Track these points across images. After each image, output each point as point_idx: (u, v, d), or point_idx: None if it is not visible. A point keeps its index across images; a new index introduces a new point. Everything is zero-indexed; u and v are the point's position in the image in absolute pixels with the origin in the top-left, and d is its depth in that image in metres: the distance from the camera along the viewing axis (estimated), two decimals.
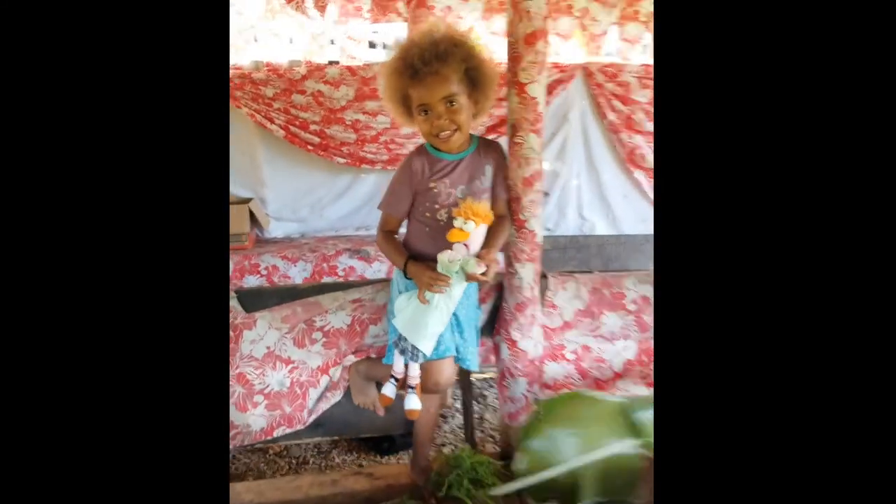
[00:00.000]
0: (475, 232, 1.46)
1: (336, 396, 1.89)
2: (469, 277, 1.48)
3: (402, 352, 1.57)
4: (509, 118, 1.68)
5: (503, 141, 1.73)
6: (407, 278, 1.58)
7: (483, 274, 1.47)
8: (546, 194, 3.27)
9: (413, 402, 1.59)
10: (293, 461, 2.47)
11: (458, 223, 1.45)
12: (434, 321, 1.51)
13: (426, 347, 1.53)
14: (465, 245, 1.47)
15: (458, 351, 1.64)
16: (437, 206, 1.58)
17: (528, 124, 1.64)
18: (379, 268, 2.78)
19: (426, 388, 1.66)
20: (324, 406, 1.88)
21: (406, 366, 1.61)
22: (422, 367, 1.63)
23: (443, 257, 1.47)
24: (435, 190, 1.57)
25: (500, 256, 1.69)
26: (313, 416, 1.88)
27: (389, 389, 1.60)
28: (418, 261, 1.56)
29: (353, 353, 1.87)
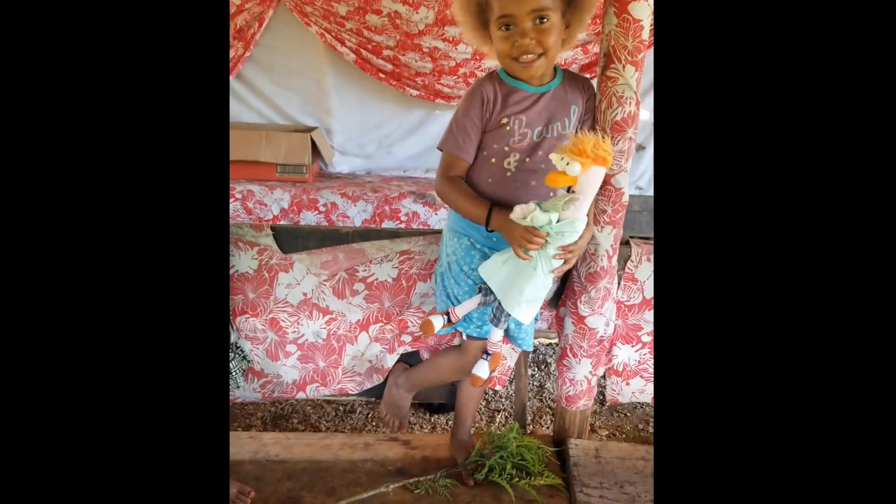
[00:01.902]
0: (585, 178, 1.13)
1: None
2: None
3: (495, 317, 1.32)
4: (603, 45, 1.35)
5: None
6: (489, 231, 1.30)
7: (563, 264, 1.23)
8: (642, 148, 2.89)
9: (482, 370, 1.33)
10: (340, 408, 2.36)
11: (560, 163, 1.13)
12: (531, 286, 1.23)
13: (520, 315, 1.26)
14: (572, 193, 1.17)
15: (508, 328, 1.39)
16: (506, 149, 1.29)
17: (626, 54, 1.31)
18: (444, 216, 2.54)
19: (462, 363, 1.45)
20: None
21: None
22: (465, 343, 1.41)
23: (522, 210, 1.18)
24: (507, 128, 1.28)
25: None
26: (354, 383, 1.72)
27: (438, 320, 1.33)
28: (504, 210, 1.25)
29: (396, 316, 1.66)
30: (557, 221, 1.18)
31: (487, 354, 1.35)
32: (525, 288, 1.23)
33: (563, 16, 1.23)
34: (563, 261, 1.23)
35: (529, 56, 1.22)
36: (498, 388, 1.83)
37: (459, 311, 1.34)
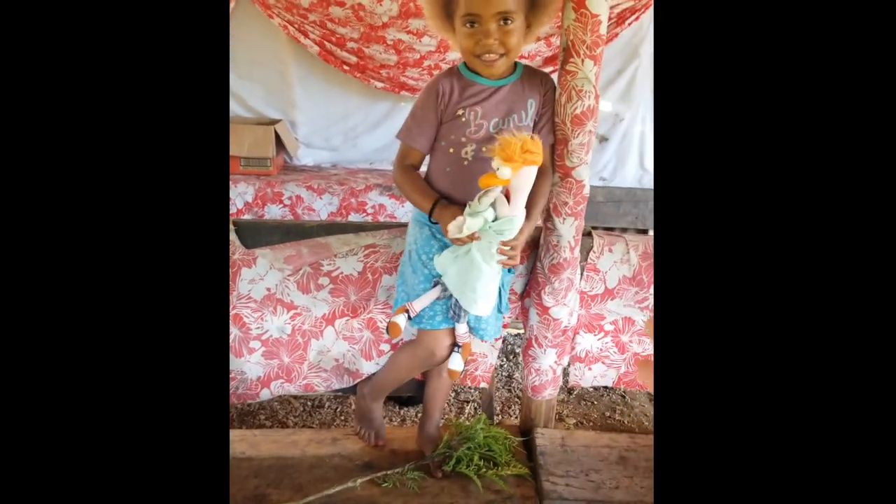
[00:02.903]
0: (516, 179, 1.16)
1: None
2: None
3: (455, 313, 1.36)
4: (562, 39, 1.37)
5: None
6: (431, 222, 1.34)
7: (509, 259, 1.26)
8: (604, 139, 2.93)
9: (456, 363, 1.40)
10: (308, 403, 2.35)
11: (493, 164, 1.15)
12: (482, 283, 1.27)
13: (477, 311, 1.31)
14: (504, 195, 1.20)
15: (469, 321, 1.40)
16: (463, 140, 1.31)
17: (584, 48, 1.32)
18: (412, 208, 2.54)
19: (418, 356, 1.47)
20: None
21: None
22: (418, 335, 1.43)
23: (456, 225, 1.21)
24: (463, 119, 1.30)
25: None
26: (323, 384, 1.71)
27: (401, 320, 1.37)
28: (451, 205, 1.31)
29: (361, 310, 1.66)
30: (494, 220, 1.21)
31: (458, 347, 1.39)
32: (477, 286, 1.27)
33: (526, 17, 1.25)
34: (507, 255, 1.27)
35: (492, 56, 1.24)
36: (483, 385, 1.84)
37: (417, 306, 1.37)
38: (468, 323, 1.43)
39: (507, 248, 1.26)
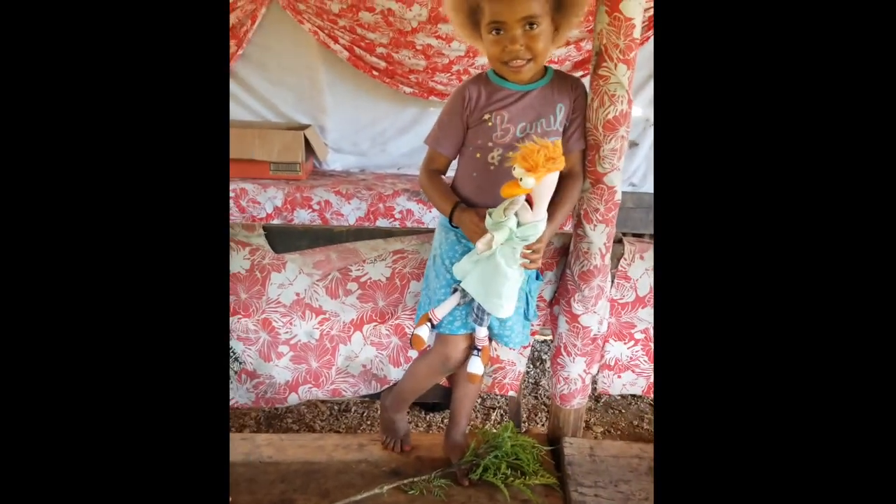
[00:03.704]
0: (540, 186, 1.15)
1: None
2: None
3: (477, 317, 1.36)
4: (595, 44, 1.35)
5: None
6: (453, 226, 1.35)
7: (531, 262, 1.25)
8: (634, 144, 2.89)
9: (476, 366, 1.40)
10: (335, 407, 2.36)
11: (516, 173, 1.14)
12: (507, 287, 1.27)
13: (503, 314, 1.31)
14: (528, 202, 1.19)
15: (491, 326, 1.39)
16: (490, 145, 1.30)
17: (618, 52, 1.30)
18: (438, 213, 2.54)
19: (435, 362, 1.47)
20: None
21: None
22: (435, 340, 1.44)
23: (485, 242, 1.21)
24: (489, 123, 1.30)
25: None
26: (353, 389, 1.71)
27: (424, 332, 1.37)
28: (469, 209, 1.31)
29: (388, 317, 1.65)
30: (518, 226, 1.20)
31: (478, 350, 1.39)
32: (503, 290, 1.27)
33: (553, 20, 1.24)
34: (529, 259, 1.26)
35: (519, 62, 1.24)
36: (511, 393, 1.82)
37: (439, 313, 1.37)
38: (491, 329, 1.42)
39: (529, 251, 1.25)
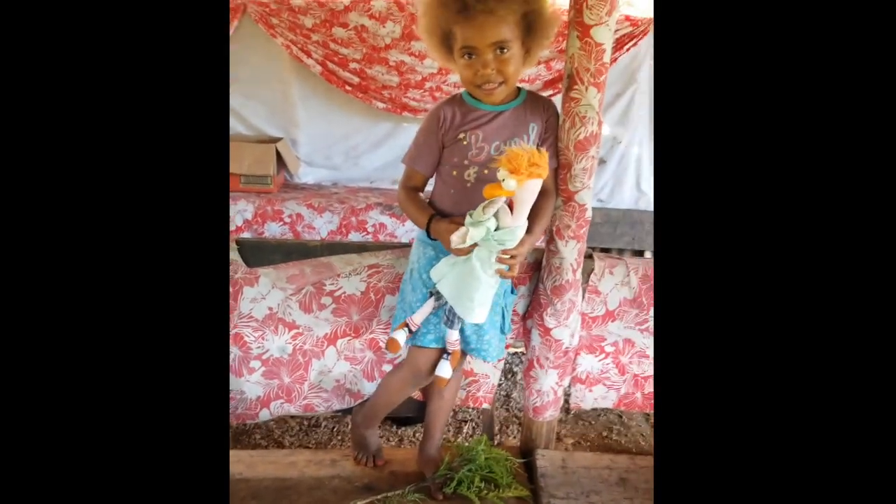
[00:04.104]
0: (521, 191, 1.16)
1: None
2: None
3: (448, 319, 1.37)
4: (566, 67, 1.39)
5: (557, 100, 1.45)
6: (431, 239, 1.37)
7: (509, 270, 1.27)
8: (602, 162, 2.96)
9: (444, 370, 1.41)
10: (305, 422, 2.34)
11: (499, 175, 1.16)
12: (480, 292, 1.28)
13: (474, 318, 1.32)
14: (508, 206, 1.20)
15: (467, 341, 1.41)
16: (465, 163, 1.33)
17: (588, 76, 1.35)
18: (412, 227, 2.56)
19: (407, 375, 1.49)
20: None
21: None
22: (408, 352, 1.45)
23: (459, 235, 1.22)
24: (464, 142, 1.32)
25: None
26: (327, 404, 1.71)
27: (401, 336, 1.38)
28: (444, 219, 1.33)
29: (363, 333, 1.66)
30: (496, 229, 1.21)
31: (448, 354, 1.40)
32: (475, 294, 1.28)
33: (523, 43, 1.27)
34: (507, 266, 1.27)
35: (491, 84, 1.27)
36: (485, 406, 1.84)
37: (417, 318, 1.38)
38: (469, 344, 1.43)
39: (507, 256, 1.26)
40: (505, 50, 1.23)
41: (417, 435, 2.25)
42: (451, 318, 1.36)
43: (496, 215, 1.21)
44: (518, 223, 1.22)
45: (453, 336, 1.39)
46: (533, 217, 1.29)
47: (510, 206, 1.21)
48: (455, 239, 1.22)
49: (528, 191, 1.18)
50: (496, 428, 2.30)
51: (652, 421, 2.50)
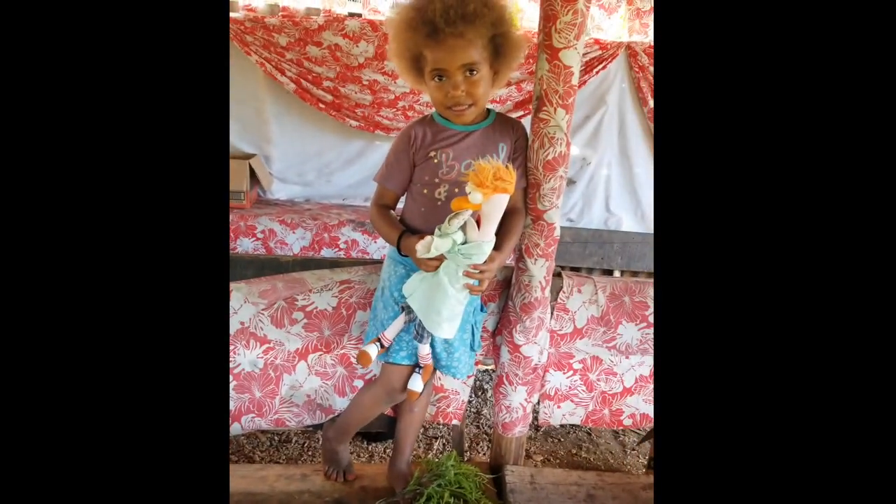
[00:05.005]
0: (487, 205, 1.18)
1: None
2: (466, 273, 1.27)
3: (418, 333, 1.39)
4: (535, 89, 1.44)
5: (526, 122, 1.49)
6: (402, 255, 1.39)
7: (479, 285, 1.30)
8: (572, 182, 3.03)
9: (416, 384, 1.43)
10: (275, 437, 2.32)
11: (466, 188, 1.17)
12: (447, 306, 1.29)
13: (442, 333, 1.33)
14: (476, 221, 1.22)
15: (437, 358, 1.44)
16: (436, 181, 1.36)
17: (557, 97, 1.40)
18: (383, 244, 2.58)
19: (380, 392, 1.51)
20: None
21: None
22: (381, 370, 1.47)
23: (424, 244, 1.24)
24: (435, 160, 1.36)
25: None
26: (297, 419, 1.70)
27: (372, 350, 1.39)
28: (414, 235, 1.35)
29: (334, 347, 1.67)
30: (463, 243, 1.23)
31: (420, 368, 1.42)
32: (442, 309, 1.29)
33: (491, 65, 1.31)
34: (476, 280, 1.30)
35: (461, 106, 1.31)
36: (455, 422, 1.85)
37: (389, 334, 1.40)
38: (438, 361, 1.45)
39: (476, 271, 1.27)
40: (474, 72, 1.27)
41: (388, 451, 2.25)
42: (420, 332, 1.38)
43: (463, 229, 1.23)
44: (485, 238, 1.24)
45: (424, 350, 1.41)
46: (502, 235, 1.31)
47: (478, 221, 1.22)
48: (420, 248, 1.24)
49: (495, 205, 1.19)
50: (466, 444, 2.32)
51: (621, 439, 2.54)
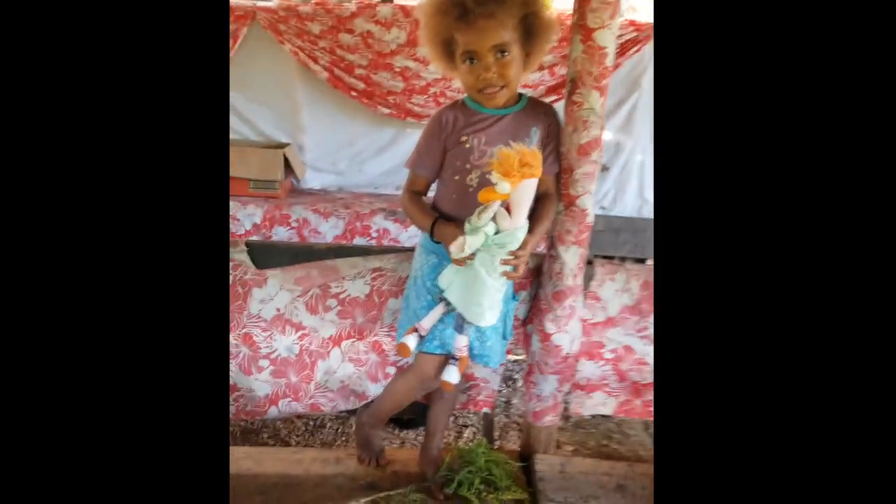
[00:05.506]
0: (516, 193, 1.16)
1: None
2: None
3: (458, 324, 1.38)
4: (569, 71, 1.42)
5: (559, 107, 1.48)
6: (434, 242, 1.39)
7: (514, 271, 1.28)
8: (605, 168, 2.98)
9: (451, 375, 1.40)
10: (310, 422, 2.37)
11: (492, 178, 1.16)
12: (487, 296, 1.29)
13: (485, 322, 1.33)
14: (506, 209, 1.21)
15: (470, 346, 1.44)
16: (467, 167, 1.35)
17: (591, 80, 1.37)
18: (415, 233, 2.58)
19: (414, 380, 1.52)
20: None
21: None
22: (415, 358, 1.47)
23: (458, 245, 1.23)
24: (467, 145, 1.35)
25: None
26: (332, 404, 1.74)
27: (411, 341, 1.39)
28: (448, 222, 1.35)
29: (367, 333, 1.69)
30: (496, 233, 1.23)
31: (455, 359, 1.41)
32: (483, 300, 1.29)
33: (523, 46, 1.30)
34: (512, 266, 1.29)
35: (493, 88, 1.29)
36: (485, 410, 1.86)
37: (426, 324, 1.39)
38: (472, 350, 1.45)
39: (513, 258, 1.27)
40: (505, 53, 1.26)
41: (418, 437, 2.27)
42: (461, 323, 1.37)
43: (494, 219, 1.22)
44: (517, 225, 1.23)
45: (462, 341, 1.40)
46: (535, 219, 1.32)
47: (507, 208, 1.21)
48: (454, 250, 1.23)
49: (524, 191, 1.18)
50: (496, 433, 2.33)
51: (651, 430, 2.52)
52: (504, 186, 1.14)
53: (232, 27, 2.65)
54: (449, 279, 1.35)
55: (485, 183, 1.33)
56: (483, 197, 1.18)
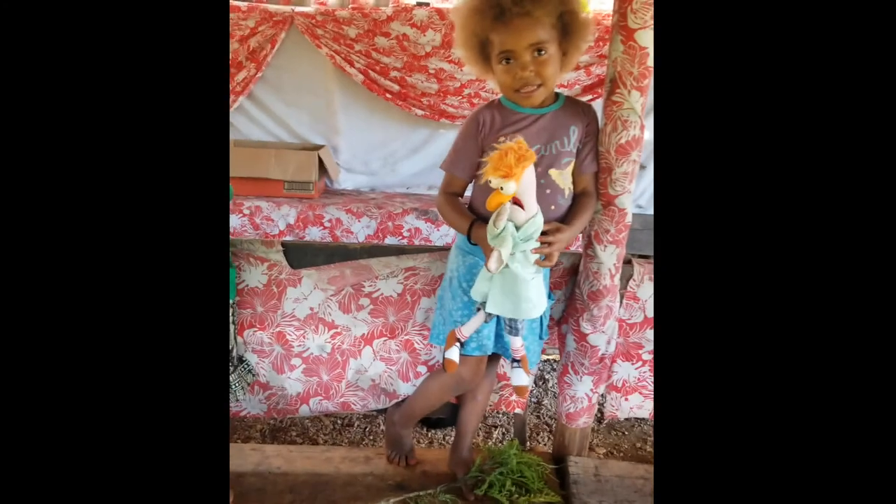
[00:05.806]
0: (521, 186, 1.16)
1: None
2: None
3: (510, 328, 1.37)
4: (609, 71, 1.40)
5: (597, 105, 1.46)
6: (472, 244, 1.37)
7: (546, 259, 1.26)
8: (643, 167, 2.93)
9: (520, 378, 1.38)
10: (339, 421, 2.37)
11: (493, 184, 1.16)
12: (531, 290, 1.27)
13: (538, 313, 1.32)
14: (520, 206, 1.20)
15: (507, 347, 1.42)
16: None
17: (631, 79, 1.35)
18: (446, 232, 2.58)
19: (449, 382, 1.50)
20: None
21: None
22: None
23: (494, 262, 1.21)
24: None
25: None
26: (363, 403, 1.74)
27: (454, 354, 1.38)
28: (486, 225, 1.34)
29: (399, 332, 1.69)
30: (518, 230, 1.21)
31: (517, 362, 1.38)
32: (529, 294, 1.27)
33: (560, 45, 1.28)
34: (544, 255, 1.27)
35: (530, 87, 1.28)
36: (518, 411, 1.84)
37: (466, 331, 1.37)
38: (505, 349, 1.43)
39: (544, 245, 1.25)
40: (542, 52, 1.25)
41: (447, 438, 2.26)
42: (512, 325, 1.35)
43: (511, 220, 1.22)
44: (532, 212, 1.22)
45: (517, 342, 1.37)
46: (573, 214, 1.32)
47: (518, 203, 1.21)
48: (493, 265, 1.22)
49: (528, 180, 1.18)
50: (527, 434, 2.30)
51: None
52: (511, 187, 1.15)
53: (270, 32, 2.69)
54: (483, 290, 1.32)
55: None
56: (492, 204, 1.18)
